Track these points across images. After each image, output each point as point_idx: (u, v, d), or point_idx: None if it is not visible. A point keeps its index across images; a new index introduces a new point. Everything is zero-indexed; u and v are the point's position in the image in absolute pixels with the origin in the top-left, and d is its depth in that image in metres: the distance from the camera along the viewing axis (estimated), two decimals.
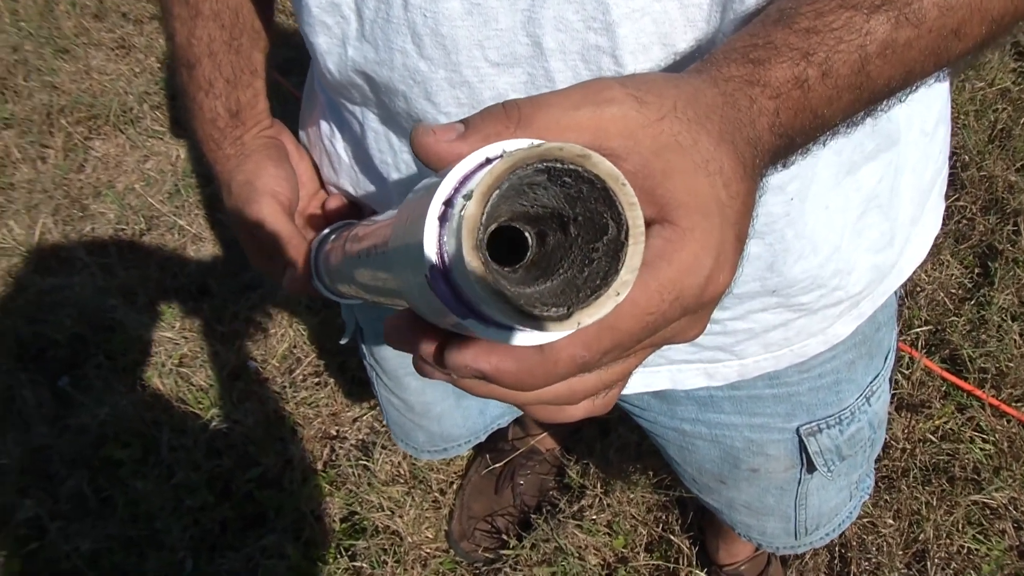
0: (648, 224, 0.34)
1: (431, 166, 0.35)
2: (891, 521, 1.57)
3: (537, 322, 0.30)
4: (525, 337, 0.32)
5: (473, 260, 0.29)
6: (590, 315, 0.30)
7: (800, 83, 0.41)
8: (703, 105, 0.37)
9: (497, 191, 0.29)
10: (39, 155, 2.34)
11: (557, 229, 0.32)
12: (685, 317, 0.36)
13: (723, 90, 0.39)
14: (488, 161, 0.32)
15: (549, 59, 0.54)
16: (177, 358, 1.90)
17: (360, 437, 1.78)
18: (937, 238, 0.81)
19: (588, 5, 0.51)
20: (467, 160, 0.32)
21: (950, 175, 1.94)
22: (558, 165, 0.30)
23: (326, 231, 0.71)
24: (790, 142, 0.42)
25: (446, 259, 0.30)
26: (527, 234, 0.32)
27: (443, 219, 0.31)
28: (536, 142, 0.30)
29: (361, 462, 1.72)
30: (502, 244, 0.32)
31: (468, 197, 0.29)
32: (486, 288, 0.29)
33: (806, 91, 0.41)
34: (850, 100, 0.44)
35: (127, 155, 2.33)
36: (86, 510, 1.69)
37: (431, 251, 0.31)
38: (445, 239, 0.30)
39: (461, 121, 0.35)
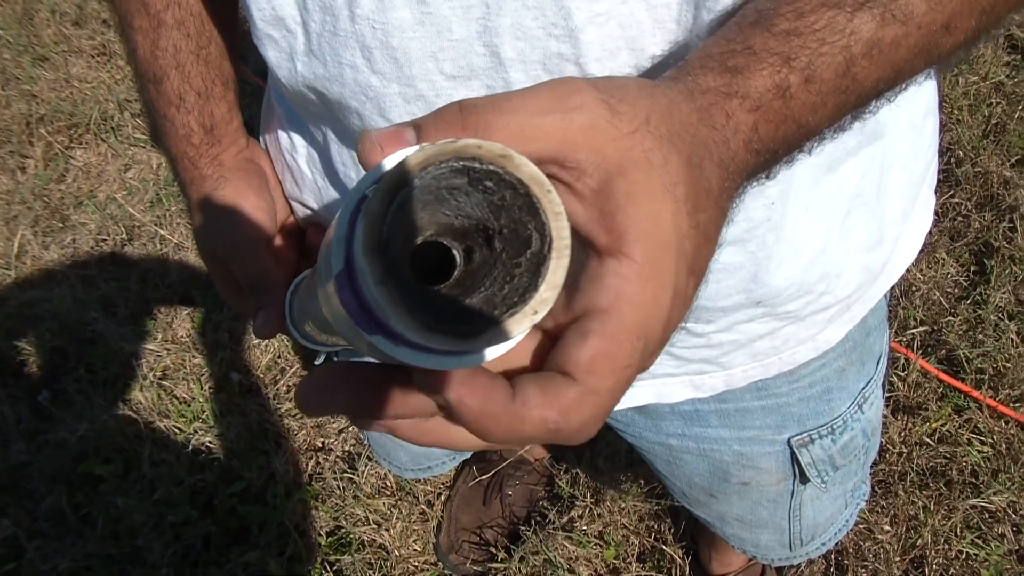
0: (600, 253, 0.32)
1: None
2: (888, 527, 1.54)
3: (444, 338, 0.27)
4: (438, 360, 0.28)
5: (366, 259, 0.26)
6: (500, 336, 0.27)
7: (782, 92, 0.38)
8: (677, 122, 0.34)
9: (406, 188, 0.27)
10: (18, 165, 2.30)
11: (483, 244, 0.29)
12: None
13: (699, 104, 0.36)
14: None
15: (508, 70, 0.51)
16: (159, 371, 1.86)
17: (346, 449, 1.74)
18: (931, 236, 0.78)
19: (548, 11, 0.48)
20: (397, 155, 0.29)
21: (944, 172, 1.91)
22: (476, 165, 0.27)
23: (304, 274, 0.66)
24: (771, 155, 0.40)
25: (353, 263, 0.27)
26: (454, 251, 0.29)
27: (355, 217, 0.28)
28: (464, 140, 0.27)
29: (346, 474, 1.68)
30: (431, 261, 0.29)
31: (374, 193, 0.26)
32: (382, 294, 0.26)
33: (788, 100, 0.39)
34: (836, 105, 0.41)
35: (108, 164, 2.29)
36: (65, 528, 1.65)
37: (338, 253, 0.28)
38: (356, 239, 0.27)
39: (412, 124, 0.32)
